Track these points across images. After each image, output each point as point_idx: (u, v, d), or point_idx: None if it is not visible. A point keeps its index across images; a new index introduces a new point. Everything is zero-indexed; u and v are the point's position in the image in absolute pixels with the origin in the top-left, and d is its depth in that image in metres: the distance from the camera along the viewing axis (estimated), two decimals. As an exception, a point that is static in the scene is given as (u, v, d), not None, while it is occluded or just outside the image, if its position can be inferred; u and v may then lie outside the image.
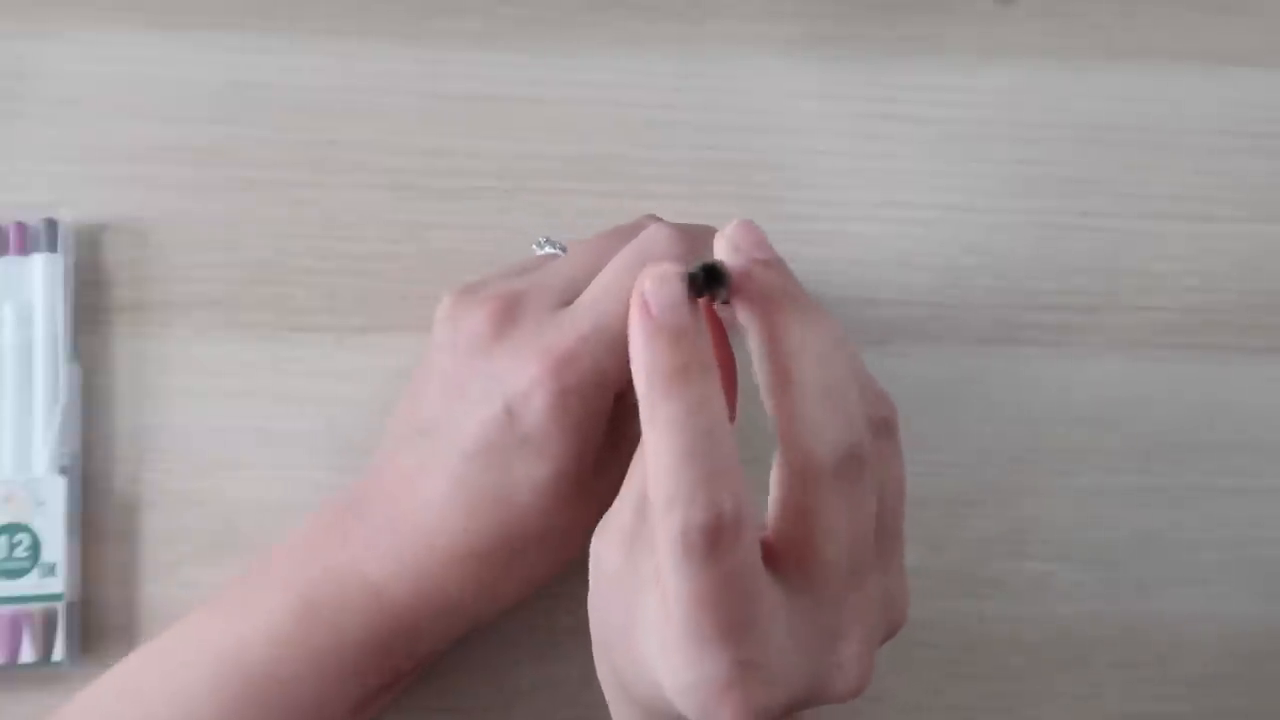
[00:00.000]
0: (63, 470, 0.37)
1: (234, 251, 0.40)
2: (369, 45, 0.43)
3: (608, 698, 0.30)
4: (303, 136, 0.42)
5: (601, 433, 0.32)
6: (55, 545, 0.36)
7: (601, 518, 0.29)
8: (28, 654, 0.36)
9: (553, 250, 0.37)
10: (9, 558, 0.36)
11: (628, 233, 0.34)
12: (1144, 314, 0.43)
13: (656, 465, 0.24)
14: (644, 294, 0.25)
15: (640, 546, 0.26)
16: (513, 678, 0.38)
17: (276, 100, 0.42)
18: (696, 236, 0.32)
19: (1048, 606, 0.40)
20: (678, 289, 0.25)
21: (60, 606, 0.36)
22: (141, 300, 0.40)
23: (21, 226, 0.39)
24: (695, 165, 0.43)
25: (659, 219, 0.34)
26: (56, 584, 0.36)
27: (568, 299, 0.32)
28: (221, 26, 0.42)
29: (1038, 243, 0.43)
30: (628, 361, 0.27)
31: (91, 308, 0.40)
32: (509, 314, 0.31)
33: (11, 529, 0.36)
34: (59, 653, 0.36)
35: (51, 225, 0.39)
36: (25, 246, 0.39)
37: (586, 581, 0.39)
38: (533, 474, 0.31)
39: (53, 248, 0.39)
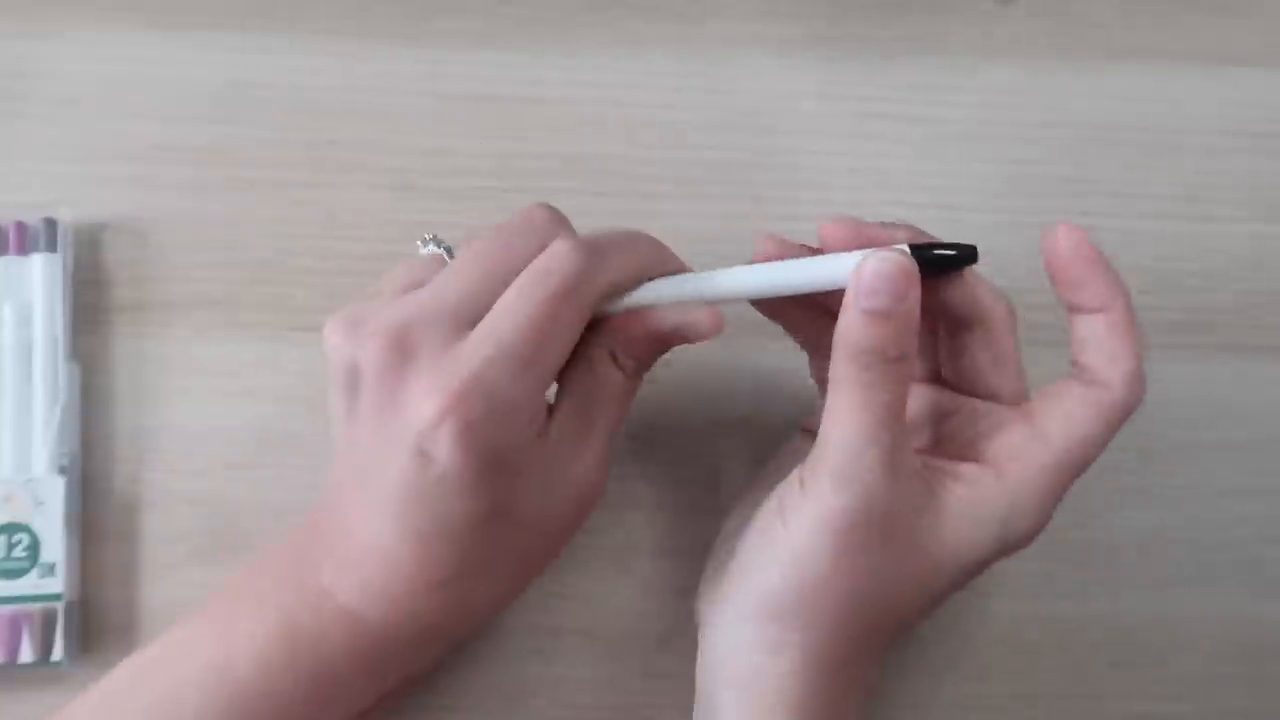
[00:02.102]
0: (62, 470, 0.37)
1: (234, 251, 0.40)
2: (369, 45, 0.43)
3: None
4: (303, 136, 0.42)
5: (525, 456, 0.31)
6: (54, 545, 0.36)
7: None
8: (27, 654, 0.36)
9: (438, 250, 0.34)
10: (8, 557, 0.36)
11: (516, 231, 0.32)
12: (1144, 314, 0.42)
13: (848, 444, 0.29)
14: (872, 277, 0.29)
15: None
16: (513, 678, 0.38)
17: (276, 100, 0.42)
18: (602, 248, 0.31)
19: (1048, 606, 0.40)
20: (910, 278, 0.29)
21: (60, 606, 0.36)
22: (141, 300, 0.40)
23: (21, 226, 0.39)
24: (695, 165, 0.43)
25: (548, 208, 0.33)
26: (56, 584, 0.36)
27: (463, 322, 0.30)
28: (221, 26, 0.43)
29: (1038, 243, 0.43)
30: (537, 385, 0.30)
31: (91, 307, 0.40)
32: (402, 349, 0.30)
33: (11, 529, 0.36)
34: (58, 653, 0.36)
35: (51, 225, 0.39)
36: (25, 246, 0.39)
37: (586, 582, 0.39)
38: (460, 510, 0.30)
39: (52, 247, 0.39)
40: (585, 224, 0.41)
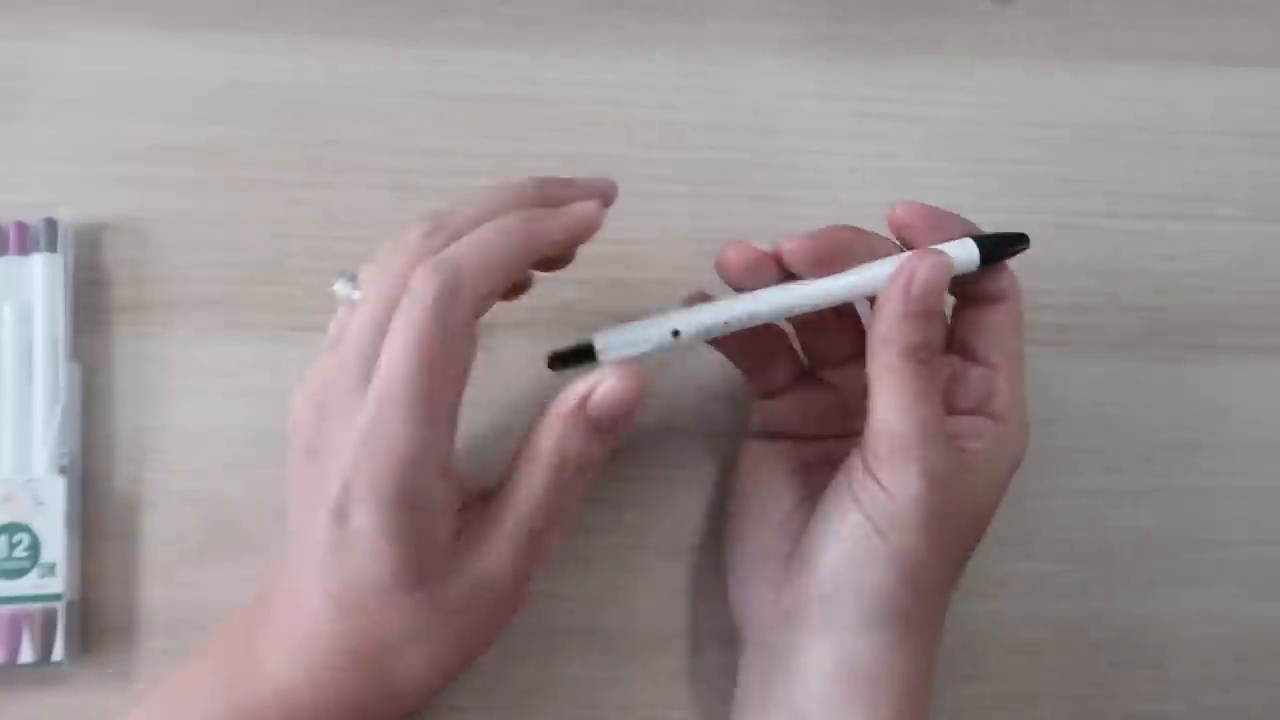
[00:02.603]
0: (62, 470, 0.37)
1: (234, 251, 0.40)
2: (369, 45, 0.43)
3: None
4: (302, 136, 0.42)
5: (440, 505, 0.30)
6: (55, 545, 0.36)
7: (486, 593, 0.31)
8: (27, 654, 0.36)
9: (352, 291, 0.33)
10: (9, 557, 0.36)
11: (388, 266, 0.31)
12: (1144, 314, 0.43)
13: (923, 436, 0.31)
14: (926, 281, 0.31)
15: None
16: (513, 678, 0.38)
17: (276, 100, 0.42)
18: (458, 262, 0.30)
19: (1048, 606, 0.40)
20: (945, 279, 0.32)
21: (60, 606, 0.36)
22: (141, 300, 0.40)
23: (21, 226, 0.39)
24: (695, 165, 0.43)
25: (420, 226, 0.32)
26: (56, 584, 0.36)
27: (365, 374, 0.30)
28: (221, 26, 0.43)
29: (1038, 243, 0.43)
30: (434, 426, 0.29)
31: (91, 308, 0.40)
32: (320, 409, 0.30)
33: (11, 529, 0.36)
34: (58, 653, 0.36)
35: (51, 225, 0.39)
36: (25, 246, 0.39)
37: (586, 582, 0.39)
38: (372, 574, 0.30)
39: (52, 247, 0.39)
40: (585, 224, 0.42)
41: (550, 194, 0.33)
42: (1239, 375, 0.42)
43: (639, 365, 0.31)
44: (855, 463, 0.33)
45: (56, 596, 0.36)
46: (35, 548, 0.36)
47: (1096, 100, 0.44)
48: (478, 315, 0.31)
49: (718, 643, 0.36)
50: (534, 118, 0.43)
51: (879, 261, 0.33)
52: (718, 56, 0.44)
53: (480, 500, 0.32)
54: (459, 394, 0.31)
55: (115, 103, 0.41)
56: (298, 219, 0.41)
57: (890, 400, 0.31)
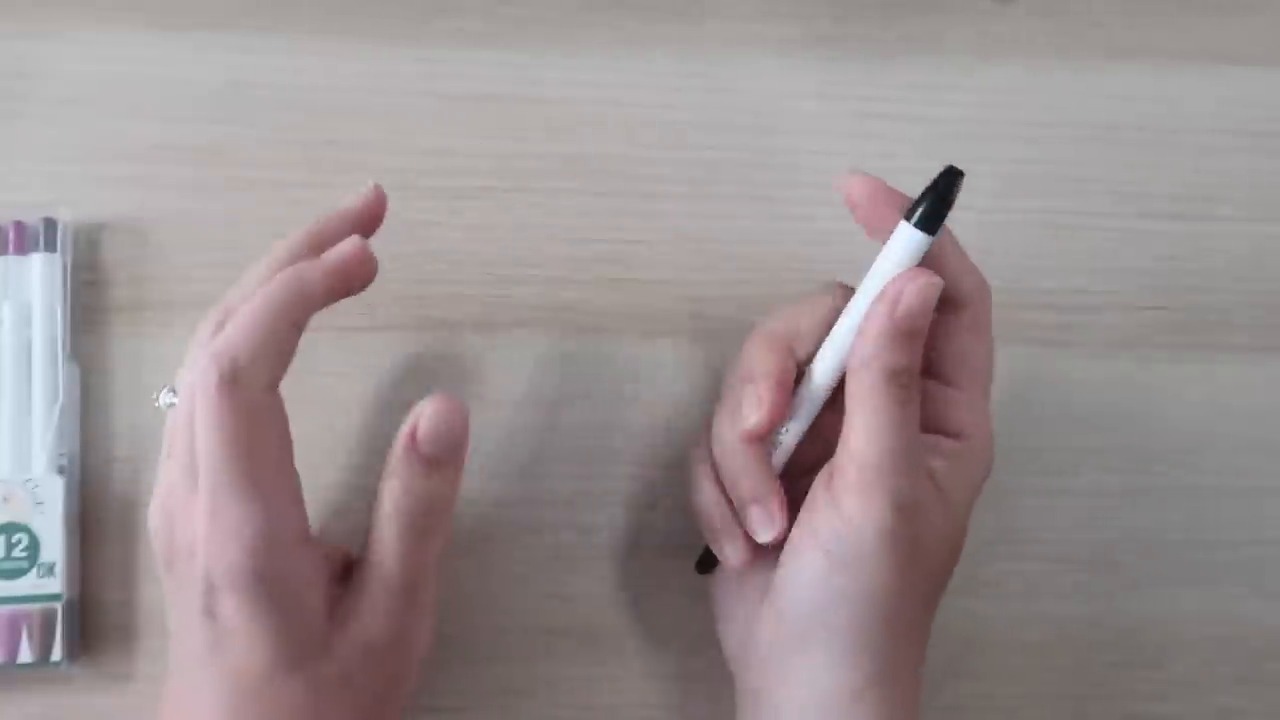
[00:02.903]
0: (61, 470, 0.37)
1: (234, 251, 0.40)
2: (369, 45, 0.43)
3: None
4: (302, 136, 0.42)
5: (304, 579, 0.30)
6: (54, 545, 0.36)
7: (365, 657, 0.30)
8: (26, 654, 0.36)
9: (171, 399, 0.33)
10: (7, 558, 0.36)
11: (191, 357, 0.32)
12: (1144, 314, 0.43)
13: (897, 465, 0.30)
14: (913, 303, 0.30)
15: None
16: (513, 678, 0.38)
17: (276, 100, 0.42)
18: (227, 338, 0.30)
19: (1048, 606, 0.40)
20: (933, 300, 0.30)
21: (59, 606, 0.36)
22: (141, 300, 0.40)
23: (20, 226, 0.39)
24: (695, 165, 0.43)
25: (215, 312, 0.32)
26: (55, 584, 0.36)
27: (193, 471, 0.30)
28: (221, 26, 0.42)
29: (1038, 243, 0.43)
30: (264, 500, 0.29)
31: (90, 307, 0.40)
32: (168, 517, 0.31)
33: (10, 529, 0.36)
34: (57, 653, 0.36)
35: (50, 225, 0.39)
36: (24, 246, 0.39)
37: (586, 582, 0.39)
38: (254, 662, 0.29)
39: (51, 247, 0.39)
40: (585, 224, 0.42)
41: (318, 240, 0.33)
42: (1239, 375, 0.42)
43: (455, 397, 0.31)
44: (817, 498, 0.32)
45: (55, 597, 0.36)
46: (34, 548, 0.36)
47: (1096, 100, 0.44)
48: (272, 384, 0.30)
49: (716, 643, 0.36)
50: (534, 118, 0.43)
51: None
52: (718, 56, 0.44)
53: (347, 565, 0.32)
54: (287, 464, 0.31)
55: (115, 103, 0.41)
56: (298, 219, 0.40)
57: (868, 424, 0.30)
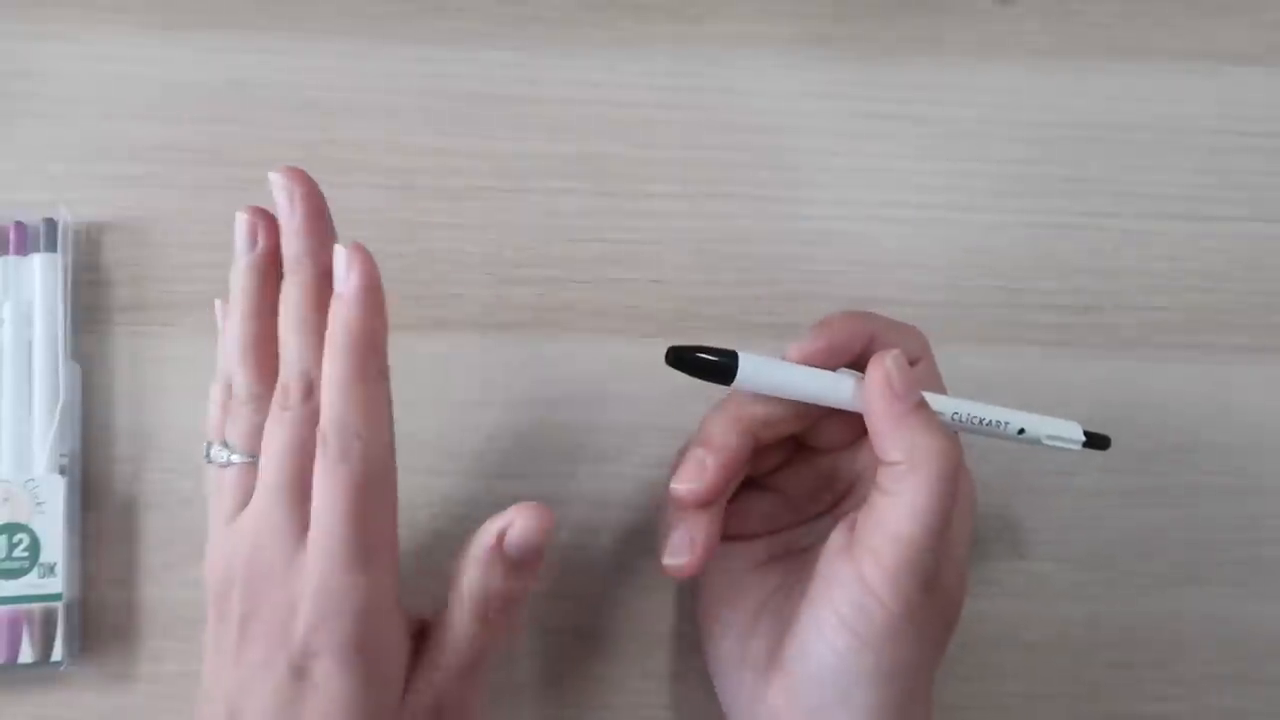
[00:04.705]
0: (62, 470, 0.37)
1: (233, 251, 0.40)
2: (369, 45, 0.43)
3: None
4: (303, 136, 0.42)
5: (394, 645, 0.31)
6: (54, 545, 0.36)
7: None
8: (27, 654, 0.36)
9: (232, 458, 0.32)
10: (8, 558, 0.36)
11: (283, 442, 0.31)
12: (1144, 314, 0.43)
13: (918, 529, 0.30)
14: (893, 372, 0.31)
15: None
16: (510, 677, 0.38)
17: (276, 100, 0.42)
18: (368, 457, 0.30)
19: (1048, 606, 0.40)
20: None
21: (59, 606, 0.36)
22: (141, 300, 0.40)
23: (21, 226, 0.39)
24: (695, 165, 0.43)
25: (286, 415, 0.31)
26: (56, 584, 0.36)
27: (297, 529, 0.30)
28: (221, 26, 0.43)
29: (1038, 243, 0.43)
30: (381, 571, 0.30)
31: (91, 307, 0.40)
32: (250, 574, 0.30)
33: (11, 529, 0.36)
34: (58, 653, 0.36)
35: (51, 225, 0.39)
36: (24, 246, 0.39)
37: (586, 582, 0.39)
38: None
39: (52, 247, 0.39)
40: (585, 224, 0.42)
41: (326, 266, 0.32)
42: (1239, 375, 0.42)
43: (546, 506, 0.32)
44: (839, 572, 0.31)
45: (56, 596, 0.36)
46: (35, 548, 0.36)
47: (1096, 100, 0.44)
48: (391, 445, 0.31)
49: (717, 643, 0.36)
50: (534, 118, 0.43)
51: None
52: (717, 56, 0.44)
53: (421, 631, 0.32)
54: (394, 530, 0.31)
55: (115, 103, 0.41)
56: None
57: (911, 505, 0.30)
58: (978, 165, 0.43)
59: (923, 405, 0.31)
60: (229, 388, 0.33)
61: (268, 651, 0.30)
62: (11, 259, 0.39)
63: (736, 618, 0.34)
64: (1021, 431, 0.34)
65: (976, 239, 0.43)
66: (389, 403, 0.31)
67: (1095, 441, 0.35)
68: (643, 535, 0.39)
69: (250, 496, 0.31)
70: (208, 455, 0.32)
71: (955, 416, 0.33)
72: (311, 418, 0.30)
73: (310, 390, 0.31)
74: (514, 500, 0.33)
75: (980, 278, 0.42)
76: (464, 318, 0.40)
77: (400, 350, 0.40)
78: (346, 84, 0.42)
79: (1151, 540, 0.40)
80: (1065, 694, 0.39)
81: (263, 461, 0.31)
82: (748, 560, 0.35)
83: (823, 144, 0.43)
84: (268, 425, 0.31)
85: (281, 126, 0.42)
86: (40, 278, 0.39)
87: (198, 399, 0.39)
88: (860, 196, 0.43)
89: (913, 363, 0.33)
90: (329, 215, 0.33)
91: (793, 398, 0.32)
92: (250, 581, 0.30)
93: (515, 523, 0.32)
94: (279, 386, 0.31)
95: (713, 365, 0.32)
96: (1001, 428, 0.34)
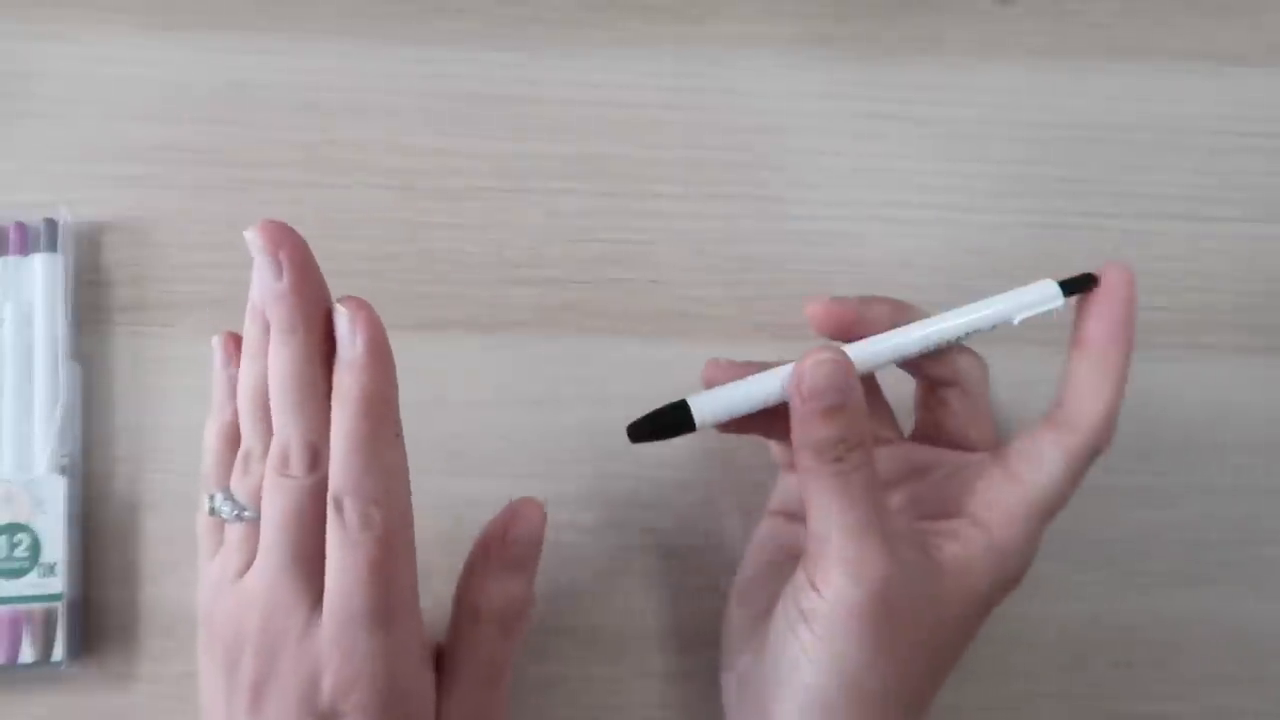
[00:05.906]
0: (62, 470, 0.37)
1: (234, 251, 0.40)
2: (369, 45, 0.43)
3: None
4: (303, 136, 0.42)
5: (423, 692, 0.31)
6: (55, 545, 0.36)
7: None
8: (27, 654, 0.36)
9: (235, 514, 0.31)
10: (9, 558, 0.36)
11: (290, 504, 0.30)
12: (1144, 314, 0.42)
13: (846, 535, 0.30)
14: (812, 381, 0.30)
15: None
16: (514, 678, 0.38)
17: (276, 100, 0.42)
18: (390, 523, 0.30)
19: (1048, 606, 0.40)
20: (848, 369, 0.30)
21: (60, 606, 0.36)
22: (141, 300, 0.40)
23: (21, 226, 0.39)
24: (695, 165, 0.43)
25: (288, 482, 0.30)
26: (56, 584, 0.36)
27: (312, 595, 0.29)
28: (221, 26, 0.43)
29: (1038, 243, 0.43)
30: (412, 624, 0.30)
31: (91, 307, 0.40)
32: (265, 632, 0.30)
33: (11, 529, 0.36)
34: (59, 653, 0.36)
35: (51, 225, 0.39)
36: (25, 246, 0.39)
37: (586, 582, 0.39)
38: None
39: (52, 247, 0.39)
40: (585, 224, 0.42)
41: (323, 328, 0.31)
42: (1239, 375, 0.42)
43: (531, 497, 0.33)
44: (796, 574, 0.31)
45: (56, 596, 0.36)
46: (35, 548, 0.36)
47: (1096, 100, 0.44)
48: (409, 509, 0.31)
49: (715, 643, 0.36)
50: (534, 118, 0.43)
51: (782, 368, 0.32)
52: (718, 56, 0.44)
53: (438, 655, 0.32)
54: (415, 587, 0.31)
55: (115, 103, 0.41)
56: (297, 219, 0.41)
57: (812, 502, 0.30)
58: (978, 165, 0.43)
59: (839, 409, 0.30)
60: (226, 432, 0.32)
61: (294, 714, 0.29)
62: (12, 259, 0.39)
63: (771, 589, 0.34)
64: (993, 329, 0.33)
65: (976, 239, 0.43)
66: (406, 466, 0.31)
67: (1078, 284, 0.33)
68: (643, 535, 0.39)
69: (255, 553, 0.30)
70: (211, 508, 0.31)
71: (903, 353, 0.33)
72: (317, 486, 0.30)
73: (317, 459, 0.30)
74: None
75: (980, 278, 0.42)
76: (464, 318, 0.40)
77: (400, 350, 0.41)
78: (346, 84, 0.42)
79: (1151, 540, 0.40)
80: (1065, 694, 0.39)
81: (267, 528, 0.30)
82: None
83: (823, 144, 0.43)
84: (266, 488, 0.30)
85: (281, 127, 0.42)
86: (41, 278, 0.39)
87: (198, 399, 0.39)
88: (861, 196, 0.43)
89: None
90: (318, 270, 0.31)
91: (754, 409, 0.33)
92: (265, 647, 0.30)
93: (515, 520, 0.32)
94: (276, 450, 0.30)
95: (670, 422, 0.33)
96: (968, 337, 0.33)
